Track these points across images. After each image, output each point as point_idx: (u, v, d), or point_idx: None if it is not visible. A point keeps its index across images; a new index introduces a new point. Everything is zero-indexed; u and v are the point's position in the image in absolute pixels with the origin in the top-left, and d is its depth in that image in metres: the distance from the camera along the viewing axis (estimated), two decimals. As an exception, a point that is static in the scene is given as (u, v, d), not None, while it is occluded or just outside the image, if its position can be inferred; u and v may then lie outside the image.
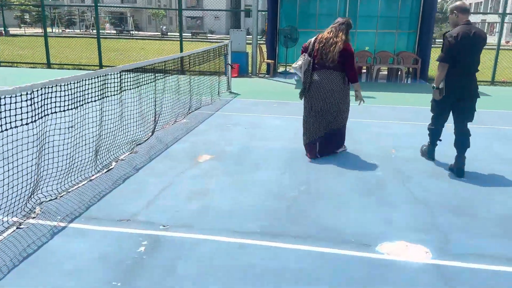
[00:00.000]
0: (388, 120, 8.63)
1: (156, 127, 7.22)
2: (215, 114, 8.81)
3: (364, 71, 15.72)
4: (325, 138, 5.99)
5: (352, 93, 6.03)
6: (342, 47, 5.54)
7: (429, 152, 6.01)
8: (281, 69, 16.51)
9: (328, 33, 5.70)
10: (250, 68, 15.40)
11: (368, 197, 4.77)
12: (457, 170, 5.44)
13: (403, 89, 12.87)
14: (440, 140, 5.88)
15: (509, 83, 14.38)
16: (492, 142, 7.11)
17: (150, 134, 6.82)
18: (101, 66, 15.61)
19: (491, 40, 49.46)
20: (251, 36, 15.42)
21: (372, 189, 5.00)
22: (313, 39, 5.88)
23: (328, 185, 5.12)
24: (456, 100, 5.26)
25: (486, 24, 49.45)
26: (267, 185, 5.04)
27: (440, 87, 5.24)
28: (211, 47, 10.66)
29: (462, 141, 5.39)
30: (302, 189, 4.95)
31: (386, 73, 15.40)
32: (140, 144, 6.41)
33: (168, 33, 49.40)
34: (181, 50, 15.14)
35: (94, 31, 51.42)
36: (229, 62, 11.38)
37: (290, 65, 17.44)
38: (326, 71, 5.72)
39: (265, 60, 15.14)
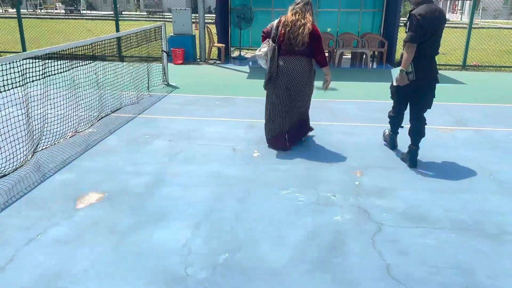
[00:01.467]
0: (352, 121, 6.91)
1: (43, 144, 5.21)
2: (136, 119, 6.82)
3: (326, 55, 13.93)
4: (295, 128, 5.61)
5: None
6: (311, 28, 5.14)
7: (391, 140, 5.62)
8: (235, 53, 14.50)
9: (292, 15, 5.20)
10: (198, 54, 13.32)
11: (321, 275, 3.04)
12: (410, 161, 5.11)
13: (369, 76, 11.18)
14: (402, 127, 5.48)
15: (481, 67, 12.98)
16: (481, 151, 5.54)
17: (28, 157, 4.81)
18: (24, 51, 13.10)
19: (454, 18, 48.88)
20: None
21: (324, 258, 3.26)
22: (275, 23, 5.35)
23: (260, 256, 3.31)
24: (418, 85, 4.85)
25: (449, 2, 48.55)
26: (169, 259, 3.20)
27: (409, 70, 4.72)
28: (139, 29, 8.54)
29: (419, 127, 5.05)
30: (221, 261, 3.16)
31: (350, 57, 13.70)
32: (3, 176, 4.41)
33: (123, 12, 45.79)
34: (117, 31, 12.84)
35: (43, 11, 47.34)
36: (164, 49, 9.29)
37: (245, 49, 15.49)
38: (294, 57, 5.29)
39: (215, 44, 13.07)
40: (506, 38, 18.86)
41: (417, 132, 5.01)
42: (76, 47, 6.11)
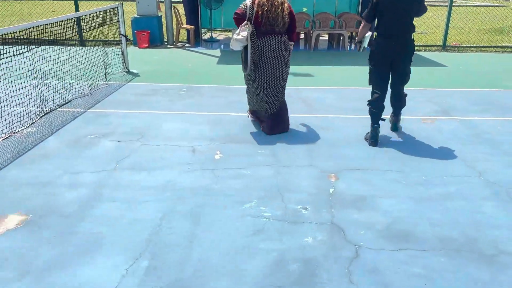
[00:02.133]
0: (329, 112, 6.28)
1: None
2: (85, 114, 6.01)
3: (302, 36, 13.20)
4: (277, 115, 5.43)
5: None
6: (289, 8, 5.08)
7: (372, 135, 5.12)
8: (206, 36, 13.60)
9: None
10: (165, 36, 12.38)
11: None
12: (393, 125, 5.52)
13: (347, 60, 10.52)
14: (383, 120, 5.17)
15: (461, 48, 12.48)
16: (468, 146, 5.00)
17: None
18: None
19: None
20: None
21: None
22: (248, 3, 5.10)
23: None
24: (389, 64, 4.95)
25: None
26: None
27: (364, 46, 5.07)
28: (90, 11, 7.61)
29: (398, 100, 5.28)
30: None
31: (327, 39, 12.99)
32: None
33: (95, -8, 43.44)
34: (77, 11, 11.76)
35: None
36: (123, 32, 8.39)
37: (217, 31, 14.59)
38: (276, 37, 5.15)
39: (183, 26, 12.14)
40: (485, 16, 18.42)
41: (395, 105, 5.28)
42: (15, 32, 5.26)
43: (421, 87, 7.80)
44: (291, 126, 5.54)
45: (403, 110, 5.48)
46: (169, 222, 3.35)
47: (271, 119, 5.33)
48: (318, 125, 5.67)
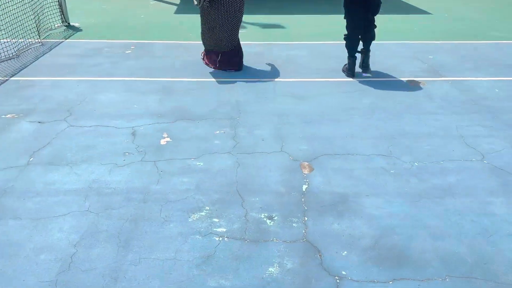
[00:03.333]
0: (302, 75, 5.29)
1: None
2: (6, 84, 4.83)
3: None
4: (229, 54, 5.42)
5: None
6: None
7: (349, 67, 5.34)
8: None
9: None
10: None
11: None
12: (363, 66, 5.43)
13: (323, 7, 9.33)
14: (359, 52, 5.35)
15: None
16: (464, 116, 4.21)
17: None
18: None
19: None
20: None
21: None
22: None
23: None
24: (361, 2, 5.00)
25: None
26: None
27: None
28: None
29: (369, 31, 5.21)
30: None
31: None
32: None
33: None
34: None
35: None
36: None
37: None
38: None
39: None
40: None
41: (365, 36, 5.25)
42: None
43: (405, 39, 6.87)
44: (257, 96, 4.60)
45: (389, 67, 5.06)
46: (86, 250, 2.47)
47: (223, 56, 5.37)
48: (290, 93, 4.74)
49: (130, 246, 2.51)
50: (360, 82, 5.08)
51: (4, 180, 3.08)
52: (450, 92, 4.86)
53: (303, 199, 2.95)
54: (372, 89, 4.87)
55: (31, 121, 3.97)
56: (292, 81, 5.13)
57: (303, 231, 2.65)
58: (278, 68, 5.51)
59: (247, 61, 5.65)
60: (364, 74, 5.36)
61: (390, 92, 4.80)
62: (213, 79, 5.11)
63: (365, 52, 5.34)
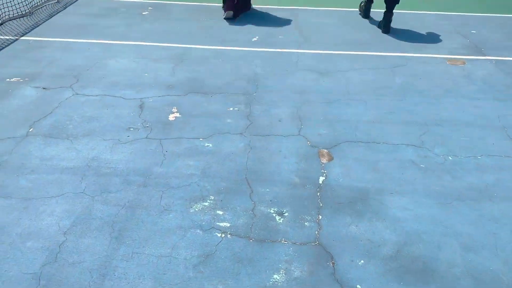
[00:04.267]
0: (328, 47, 4.82)
1: None
2: (15, 44, 4.57)
3: None
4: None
5: None
6: None
7: (365, 8, 5.62)
8: None
9: None
10: None
11: None
12: (384, 27, 5.24)
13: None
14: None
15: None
16: (508, 103, 3.71)
17: None
18: None
19: None
20: None
21: None
22: None
23: None
24: None
25: None
26: None
27: None
28: None
29: None
30: None
31: None
32: None
33: None
34: None
35: None
36: None
37: None
38: None
39: None
40: None
41: None
42: None
43: (446, 10, 6.21)
44: (277, 69, 4.20)
45: (426, 42, 4.73)
46: (76, 240, 2.25)
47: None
48: (313, 67, 4.31)
49: (123, 237, 2.27)
50: (392, 57, 4.59)
51: (0, 152, 2.88)
52: (493, 73, 4.33)
53: (318, 193, 2.63)
54: (405, 66, 4.38)
55: (35, 87, 3.72)
56: (317, 53, 4.68)
57: (316, 232, 2.36)
58: (302, 38, 5.04)
59: (268, 29, 5.21)
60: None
61: (426, 71, 4.31)
62: (232, 48, 4.72)
63: (387, 14, 5.18)
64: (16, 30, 4.91)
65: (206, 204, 2.52)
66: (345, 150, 3.04)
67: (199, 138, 3.12)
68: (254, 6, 6.08)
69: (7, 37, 4.70)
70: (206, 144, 3.06)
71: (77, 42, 4.71)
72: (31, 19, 5.29)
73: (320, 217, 2.45)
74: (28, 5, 5.46)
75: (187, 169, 2.80)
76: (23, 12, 5.37)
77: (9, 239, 2.23)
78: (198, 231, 2.33)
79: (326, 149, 3.05)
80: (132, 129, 3.20)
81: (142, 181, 2.68)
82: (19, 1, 5.38)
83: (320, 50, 4.74)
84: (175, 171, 2.78)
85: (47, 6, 5.74)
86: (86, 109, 3.42)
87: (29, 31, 4.92)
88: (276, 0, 6.41)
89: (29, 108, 3.40)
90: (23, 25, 5.08)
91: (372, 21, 5.66)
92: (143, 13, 5.70)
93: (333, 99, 3.73)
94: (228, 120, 3.37)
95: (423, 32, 5.34)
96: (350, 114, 3.51)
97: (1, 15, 5.11)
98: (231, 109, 3.53)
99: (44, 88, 3.70)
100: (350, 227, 2.40)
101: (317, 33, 5.24)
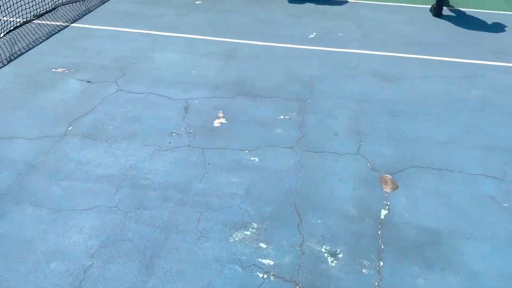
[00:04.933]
0: (394, 48, 4.32)
1: None
2: (64, 31, 4.43)
3: None
4: None
5: None
6: None
7: (437, 5, 5.10)
8: None
9: None
10: None
11: None
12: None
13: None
14: None
15: None
16: None
17: None
18: None
19: None
20: None
21: None
22: None
23: None
24: None
25: None
26: None
27: None
28: None
29: None
30: None
31: None
32: None
33: None
34: None
35: None
36: None
37: None
38: None
39: None
40: None
41: None
42: None
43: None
44: (334, 72, 3.77)
45: (507, 47, 3.87)
46: (103, 265, 2.02)
47: None
48: (375, 71, 3.84)
49: (154, 267, 2.01)
50: (469, 64, 4.01)
51: (36, 153, 2.71)
52: None
53: (380, 231, 2.24)
54: (484, 76, 3.80)
55: (80, 80, 3.55)
56: (380, 54, 4.19)
57: (376, 283, 1.98)
58: (364, 36, 4.55)
59: (327, 24, 4.76)
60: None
61: (509, 83, 3.72)
62: (286, 45, 4.33)
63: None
64: (67, 15, 4.79)
65: (248, 233, 2.21)
66: (412, 177, 2.61)
67: (244, 150, 2.81)
68: (312, -3, 5.64)
69: (58, 23, 4.60)
70: (252, 158, 2.74)
71: (126, 31, 4.51)
72: (84, 4, 5.17)
73: (382, 263, 2.07)
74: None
75: (230, 187, 2.50)
76: (75, -3, 5.28)
77: (34, 257, 2.04)
78: (237, 267, 2.03)
79: (390, 174, 2.64)
80: (174, 134, 2.93)
81: (180, 197, 2.41)
82: (74, -14, 5.28)
83: (384, 52, 4.25)
84: (216, 188, 2.49)
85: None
86: (129, 108, 3.20)
87: (80, 18, 4.79)
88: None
89: (71, 103, 3.23)
90: (75, 10, 4.96)
91: (445, 20, 5.05)
92: (196, 1, 5.41)
93: (398, 111, 3.27)
94: (278, 130, 3.02)
95: (507, 36, 4.67)
96: (419, 131, 3.04)
97: (55, 0, 5.04)
98: (282, 117, 3.18)
99: (88, 82, 3.52)
100: (417, 280, 2.00)
101: (380, 31, 4.73)
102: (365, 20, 5.00)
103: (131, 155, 2.72)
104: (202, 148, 2.81)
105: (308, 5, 5.39)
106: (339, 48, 4.29)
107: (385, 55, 4.20)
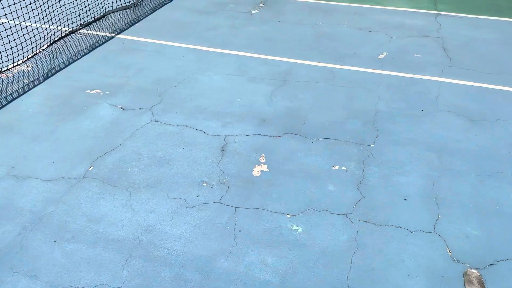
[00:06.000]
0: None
1: None
2: (109, 44, 4.09)
3: None
4: None
5: None
6: None
7: None
8: None
9: None
10: None
11: None
12: None
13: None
14: None
15: None
16: None
17: None
18: None
19: None
20: None
21: None
22: None
23: None
24: None
25: None
26: None
27: None
28: None
29: None
30: None
31: None
32: None
33: None
34: None
35: None
36: None
37: None
38: None
39: None
40: None
41: None
42: None
43: None
44: (407, 106, 3.08)
45: None
46: None
47: None
48: (460, 107, 3.06)
49: None
50: None
51: (47, 201, 2.36)
52: None
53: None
54: None
55: (113, 105, 3.19)
56: (467, 85, 3.41)
57: None
58: (446, 59, 3.78)
59: (401, 41, 4.03)
60: None
61: None
62: (350, 67, 3.68)
63: None
64: (114, 25, 4.51)
65: None
66: (507, 277, 1.92)
67: (286, 214, 2.26)
68: (383, 7, 4.89)
69: (104, 34, 4.32)
70: (295, 227, 2.19)
71: (173, 46, 4.11)
72: (135, 11, 4.88)
73: None
74: (135, -5, 5.08)
75: (262, 271, 1.97)
76: (128, 3, 4.99)
77: None
78: None
79: (477, 269, 1.96)
80: (205, 184, 2.46)
81: (198, 281, 1.93)
82: (127, -9, 5.01)
83: (472, 82, 3.45)
84: (245, 270, 1.97)
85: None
86: (159, 145, 2.78)
87: (127, 28, 4.48)
88: (413, 2, 5.09)
89: (98, 135, 2.87)
90: (124, 19, 4.66)
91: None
92: (253, 11, 4.90)
93: (490, 170, 2.53)
94: (330, 188, 2.43)
95: None
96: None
97: (105, 7, 4.79)
98: (337, 167, 2.58)
99: (122, 108, 3.16)
100: None
101: (468, 53, 3.90)
102: (449, 37, 4.18)
103: (151, 211, 2.29)
104: (235, 207, 2.31)
105: (379, 17, 4.67)
106: (414, 73, 3.57)
107: (472, 85, 3.41)
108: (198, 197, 2.37)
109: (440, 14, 4.73)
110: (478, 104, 3.17)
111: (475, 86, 3.40)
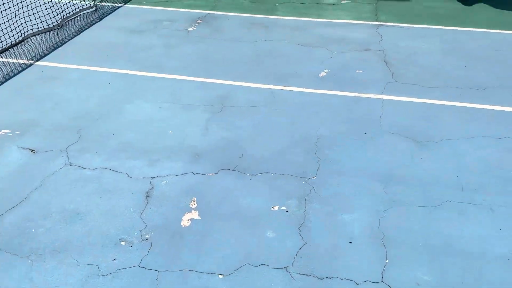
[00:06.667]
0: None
1: None
2: (28, 71, 3.60)
3: None
4: None
5: None
6: None
7: None
8: None
9: None
10: None
11: None
12: None
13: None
14: None
15: None
16: None
17: None
18: None
19: None
20: None
21: None
22: None
23: None
24: None
25: None
26: None
27: None
28: None
29: None
30: None
31: None
32: None
33: None
34: None
35: None
36: None
37: None
38: None
39: None
40: None
41: None
42: None
43: None
44: (351, 130, 2.86)
45: None
46: None
47: None
48: (405, 128, 2.88)
49: None
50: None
51: None
52: None
53: None
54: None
55: (23, 148, 2.75)
56: (411, 101, 3.25)
57: None
58: (389, 74, 3.62)
59: (342, 57, 3.85)
60: None
61: None
62: (292, 88, 3.43)
63: None
64: (34, 51, 4.03)
65: None
66: None
67: (217, 274, 1.95)
68: (325, 20, 4.73)
69: (21, 61, 3.84)
70: (227, 291, 1.89)
71: (99, 71, 3.70)
72: (59, 33, 4.42)
73: None
74: (59, 15, 4.60)
75: None
76: (52, 25, 4.52)
77: None
78: None
79: None
80: (124, 243, 2.11)
81: None
82: (51, 11, 4.53)
83: (416, 98, 3.30)
84: None
85: (82, 16, 4.85)
86: (73, 195, 2.38)
87: (49, 53, 4.01)
88: (354, 13, 4.96)
89: (0, 188, 2.46)
90: (46, 42, 4.19)
91: (495, 48, 4.06)
92: (189, 29, 4.56)
93: (438, 199, 2.34)
94: (269, 234, 2.15)
95: None
96: (467, 238, 2.11)
97: (24, 29, 4.29)
98: (277, 208, 2.31)
99: (32, 151, 2.73)
100: None
101: (410, 66, 3.77)
102: (391, 49, 4.05)
103: (55, 285, 1.91)
104: (158, 271, 1.96)
105: (321, 31, 4.48)
106: (356, 92, 3.37)
107: (416, 101, 3.25)
108: (114, 260, 2.01)
109: (381, 25, 4.61)
110: (423, 122, 3.01)
111: (419, 102, 3.25)
